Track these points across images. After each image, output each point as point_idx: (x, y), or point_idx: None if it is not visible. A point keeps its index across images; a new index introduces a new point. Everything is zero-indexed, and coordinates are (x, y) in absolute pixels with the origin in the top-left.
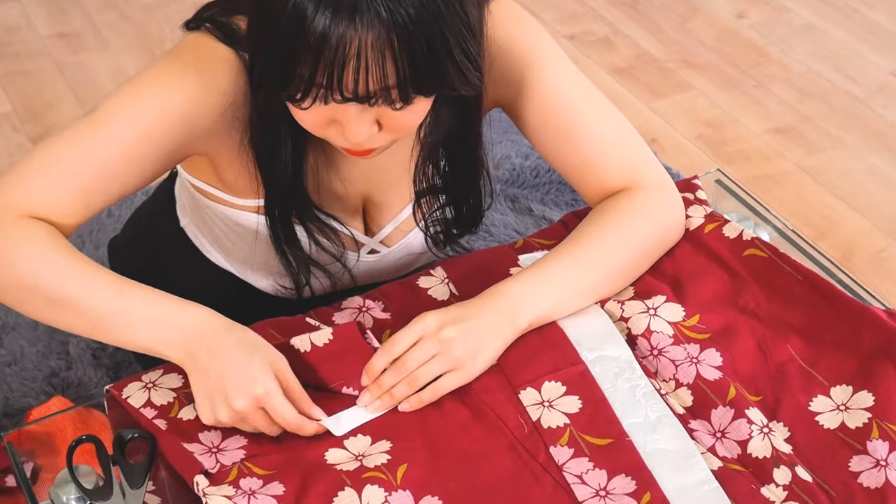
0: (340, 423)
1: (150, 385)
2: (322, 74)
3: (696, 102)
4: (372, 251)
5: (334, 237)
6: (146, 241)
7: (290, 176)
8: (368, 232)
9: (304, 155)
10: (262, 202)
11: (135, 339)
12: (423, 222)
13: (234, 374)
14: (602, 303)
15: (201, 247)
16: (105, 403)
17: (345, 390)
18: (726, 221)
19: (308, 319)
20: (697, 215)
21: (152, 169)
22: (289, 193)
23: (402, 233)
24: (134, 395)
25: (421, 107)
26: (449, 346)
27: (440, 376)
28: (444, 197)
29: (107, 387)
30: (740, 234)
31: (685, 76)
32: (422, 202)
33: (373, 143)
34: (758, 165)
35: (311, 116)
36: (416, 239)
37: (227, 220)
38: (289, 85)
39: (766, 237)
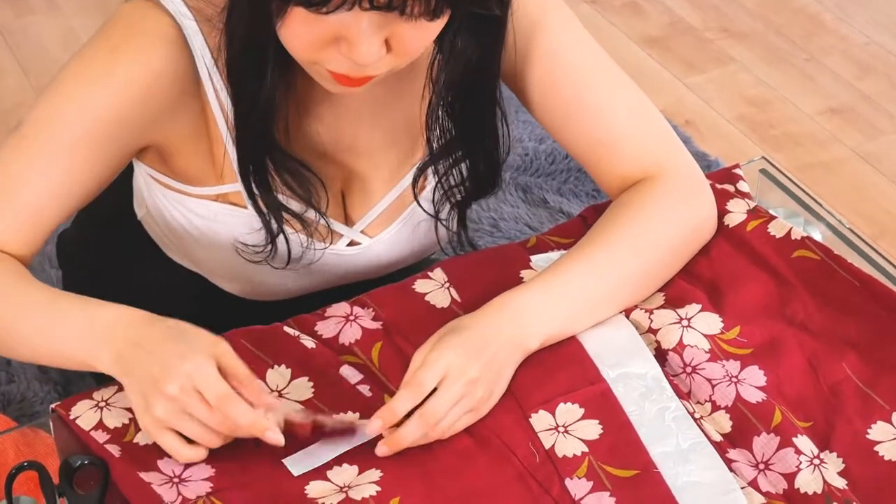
0: (303, 462)
1: (103, 404)
2: None
3: (737, 78)
4: (352, 243)
5: (306, 189)
6: (100, 236)
7: (267, 108)
8: (348, 221)
9: (284, 96)
10: (217, 189)
11: (64, 352)
12: (434, 188)
13: (163, 359)
14: (627, 312)
15: (160, 243)
16: (51, 424)
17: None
18: (772, 218)
19: (286, 329)
20: (739, 210)
21: (102, 173)
22: (264, 135)
23: (386, 221)
24: (84, 415)
25: (437, 25)
26: (474, 387)
27: None
28: (458, 154)
29: (52, 405)
30: (788, 233)
31: (725, 47)
32: (436, 162)
33: (378, 66)
34: (809, 152)
35: (313, 32)
36: (404, 228)
37: (183, 211)
38: None
39: (818, 236)
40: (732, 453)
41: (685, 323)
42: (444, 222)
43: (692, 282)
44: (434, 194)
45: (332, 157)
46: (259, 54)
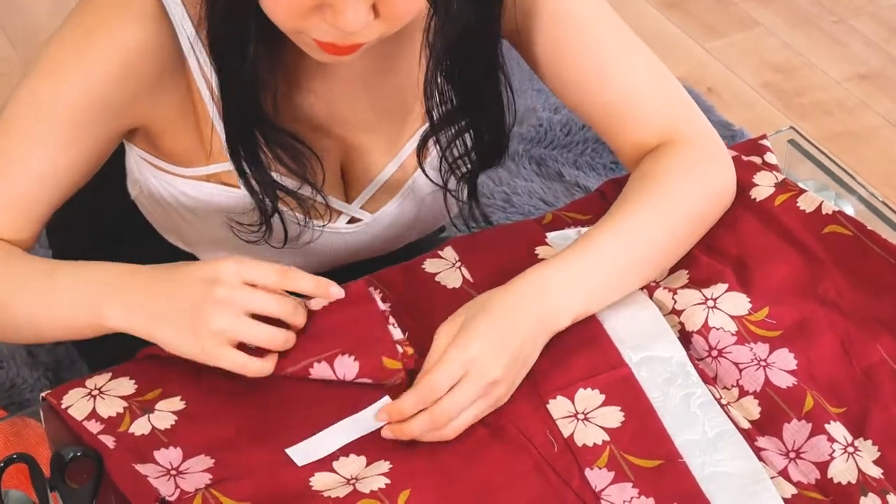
0: (307, 452)
1: (96, 392)
2: None
3: (762, 42)
4: (353, 220)
5: (301, 164)
6: (93, 216)
7: (253, 81)
8: (348, 198)
9: (271, 70)
10: (207, 169)
11: (68, 317)
12: (439, 159)
13: (193, 277)
14: (650, 291)
15: (154, 223)
16: (41, 413)
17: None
18: (802, 191)
19: None
20: (766, 183)
21: (89, 156)
22: (251, 109)
23: (388, 195)
24: (76, 404)
25: None
26: (495, 388)
27: None
28: (460, 122)
29: (43, 393)
30: (819, 207)
31: (749, 10)
32: (437, 133)
33: (366, 34)
34: (839, 120)
35: (293, 1)
36: (407, 202)
37: (174, 193)
38: None
39: (850, 210)
40: (761, 441)
41: (711, 303)
42: (454, 193)
43: (718, 260)
44: (441, 165)
45: (327, 131)
46: (241, 24)
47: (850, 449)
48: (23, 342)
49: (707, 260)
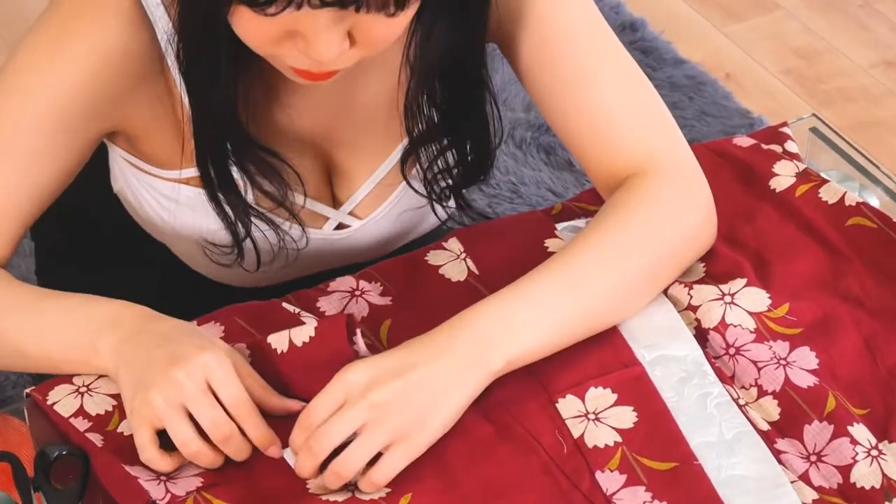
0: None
1: (84, 389)
2: None
3: (783, 26)
4: (340, 226)
5: (279, 182)
6: (77, 207)
7: (227, 104)
8: (335, 203)
9: (245, 84)
10: (187, 172)
11: (56, 350)
12: (421, 175)
13: (176, 346)
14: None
15: (137, 219)
16: (25, 411)
17: None
18: (824, 181)
19: (285, 305)
20: (787, 173)
21: (67, 161)
22: (224, 125)
23: (376, 200)
24: (62, 400)
25: (409, 13)
26: (382, 412)
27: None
28: (443, 140)
29: (28, 390)
30: (842, 198)
31: None
32: (417, 151)
33: (342, 61)
34: (864, 108)
35: (264, 28)
36: (395, 208)
37: (154, 195)
38: None
39: (874, 202)
40: (781, 444)
41: (728, 299)
42: (443, 205)
43: (736, 253)
44: (424, 179)
45: (308, 143)
46: (212, 43)
47: (874, 452)
48: (9, 370)
49: (725, 253)
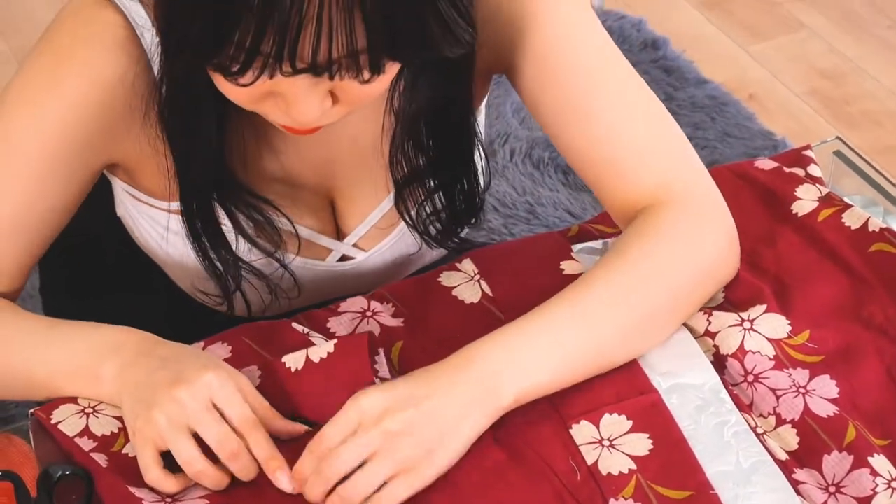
0: None
1: (89, 410)
2: (269, 42)
3: (808, 46)
4: (344, 258)
5: (268, 230)
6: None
7: (212, 155)
8: (339, 235)
9: (230, 131)
10: (174, 205)
11: (61, 375)
12: (409, 216)
13: (181, 367)
14: None
15: (139, 244)
16: (30, 430)
17: None
18: (848, 206)
19: (294, 325)
20: (809, 197)
21: (68, 199)
22: (206, 174)
23: (380, 232)
24: (67, 420)
25: (390, 72)
26: (393, 441)
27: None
28: (430, 182)
29: (32, 409)
30: (865, 224)
31: (795, 11)
32: (404, 192)
33: (325, 119)
34: (890, 132)
35: (243, 91)
36: (400, 240)
37: (152, 224)
38: (222, 54)
39: None
40: (799, 474)
41: (748, 325)
42: (434, 244)
43: (756, 277)
44: (414, 225)
45: (302, 184)
46: (193, 98)
47: (895, 484)
48: (14, 398)
49: (745, 278)
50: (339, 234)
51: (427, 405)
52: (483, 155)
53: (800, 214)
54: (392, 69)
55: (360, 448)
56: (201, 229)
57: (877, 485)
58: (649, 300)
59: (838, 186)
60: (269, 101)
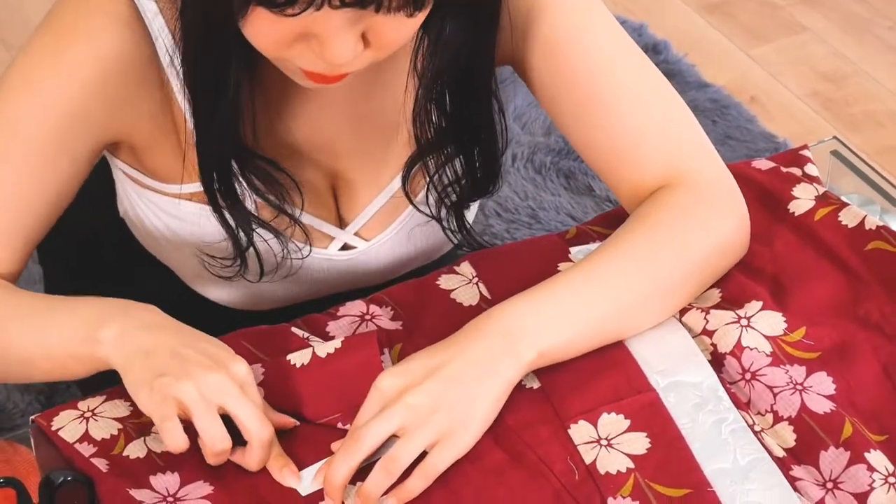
0: (311, 478)
1: (89, 414)
2: None
3: (810, 49)
4: (345, 246)
5: (279, 191)
6: (82, 233)
7: (233, 113)
8: (342, 224)
9: (247, 95)
10: (189, 187)
11: (59, 348)
12: (430, 182)
13: (206, 348)
14: (681, 311)
15: (143, 242)
16: (31, 437)
17: (340, 426)
18: (844, 205)
19: (294, 329)
20: (806, 196)
21: (71, 177)
22: (229, 134)
23: (383, 222)
24: (67, 426)
25: (419, 17)
26: (421, 414)
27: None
28: (450, 148)
29: (33, 416)
30: (862, 222)
31: (796, 14)
32: (414, 169)
33: (355, 64)
34: (892, 133)
35: (278, 30)
36: (402, 231)
37: (156, 212)
38: None
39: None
40: (797, 470)
41: (744, 323)
42: (444, 224)
43: (753, 277)
44: (428, 194)
45: (310, 156)
46: (219, 53)
47: (892, 479)
48: (12, 381)
49: (741, 277)
50: (342, 224)
51: (444, 372)
52: (503, 118)
53: (797, 213)
54: (427, 9)
55: (384, 423)
56: (218, 187)
57: (873, 480)
58: (665, 269)
59: (836, 186)
60: (301, 45)
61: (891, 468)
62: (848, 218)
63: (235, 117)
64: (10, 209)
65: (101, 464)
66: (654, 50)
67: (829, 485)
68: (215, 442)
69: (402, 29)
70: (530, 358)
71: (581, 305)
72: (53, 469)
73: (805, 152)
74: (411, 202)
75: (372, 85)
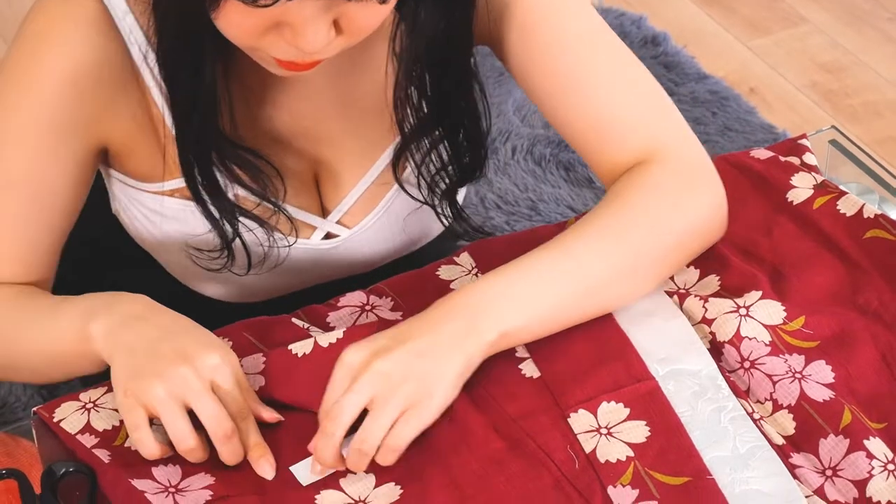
0: (308, 468)
1: (90, 405)
2: None
3: (809, 41)
4: (328, 235)
5: (260, 179)
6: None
7: (210, 104)
8: (324, 213)
9: (226, 83)
10: (172, 184)
11: (56, 343)
12: (415, 172)
13: (180, 340)
14: (680, 299)
15: (135, 238)
16: (33, 429)
17: None
18: (843, 193)
19: (294, 320)
20: (804, 185)
21: (68, 183)
22: (207, 126)
23: (364, 209)
24: (69, 417)
25: (392, 1)
26: (388, 381)
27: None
28: (435, 134)
29: (34, 408)
30: (860, 211)
31: (796, 6)
32: (410, 146)
33: (328, 51)
34: (891, 124)
35: (251, 21)
36: (387, 216)
37: (142, 210)
38: None
39: (894, 215)
40: (796, 458)
41: (744, 312)
42: (437, 210)
43: (751, 265)
44: (418, 180)
45: (291, 144)
46: (194, 44)
47: (891, 466)
48: (22, 381)
49: (740, 265)
50: (324, 213)
51: (411, 344)
52: (485, 99)
53: (795, 202)
54: None
55: (357, 395)
56: (199, 179)
57: (873, 467)
58: (633, 248)
59: (834, 175)
60: (273, 34)
61: (890, 455)
62: (846, 206)
63: (213, 108)
64: (27, 223)
65: (103, 455)
66: (653, 42)
67: (829, 472)
68: (179, 441)
69: (374, 15)
70: (491, 338)
71: (547, 286)
72: (56, 460)
73: (803, 142)
74: (403, 189)
75: (352, 70)
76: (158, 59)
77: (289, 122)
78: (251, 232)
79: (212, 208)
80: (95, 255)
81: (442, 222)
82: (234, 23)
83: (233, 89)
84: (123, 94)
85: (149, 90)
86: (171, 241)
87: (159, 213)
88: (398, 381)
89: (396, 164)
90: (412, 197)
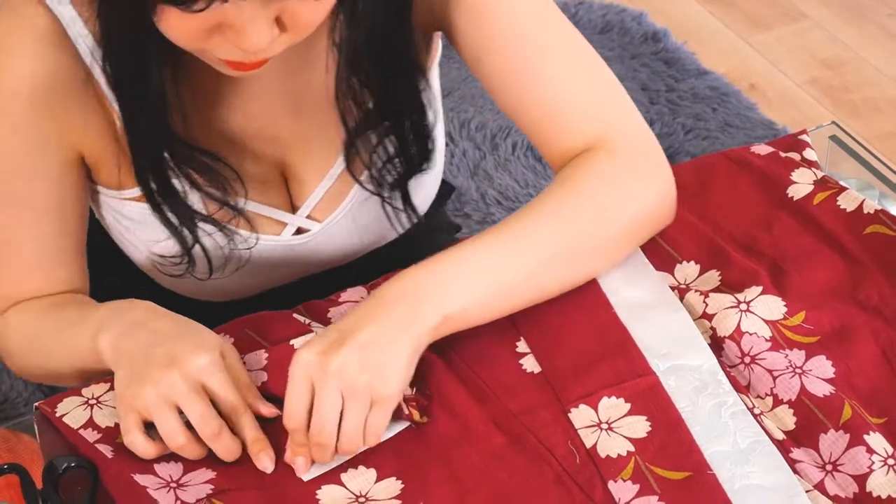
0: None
1: (93, 401)
2: None
3: (810, 37)
4: (299, 231)
5: (219, 182)
6: None
7: (160, 107)
8: (294, 209)
9: (174, 87)
10: (134, 191)
11: (74, 351)
12: (365, 167)
13: (172, 345)
14: (680, 294)
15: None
16: (35, 424)
17: None
18: (843, 189)
19: (296, 315)
20: (805, 181)
21: (65, 190)
22: (159, 129)
23: (333, 202)
24: (71, 412)
25: None
26: (347, 376)
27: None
28: (382, 126)
29: (37, 403)
30: (860, 206)
31: (796, 2)
32: (356, 147)
33: (272, 49)
34: (891, 119)
35: (191, 25)
36: (355, 209)
37: (114, 214)
38: None
39: (895, 210)
40: (796, 453)
41: (744, 307)
42: (388, 201)
43: (752, 261)
44: (369, 173)
45: (249, 145)
46: (138, 48)
47: (891, 461)
48: (50, 382)
49: (741, 261)
50: (294, 209)
51: (358, 336)
52: (429, 87)
53: (795, 198)
54: None
55: (327, 403)
56: (154, 185)
57: (873, 462)
58: (577, 233)
59: (835, 171)
60: (216, 36)
61: (890, 450)
62: (846, 202)
63: (163, 112)
64: (25, 230)
65: (105, 450)
66: (653, 38)
67: (829, 467)
68: (169, 438)
69: (316, 10)
70: (435, 322)
71: (488, 270)
72: (58, 455)
73: (804, 137)
74: (357, 181)
75: (302, 68)
76: (104, 66)
77: (243, 123)
78: (210, 236)
79: (169, 215)
80: (94, 261)
81: (388, 215)
82: (174, 26)
83: (183, 92)
84: (79, 100)
85: (105, 95)
86: (139, 242)
87: (126, 216)
88: (355, 374)
89: (348, 158)
90: (368, 190)
